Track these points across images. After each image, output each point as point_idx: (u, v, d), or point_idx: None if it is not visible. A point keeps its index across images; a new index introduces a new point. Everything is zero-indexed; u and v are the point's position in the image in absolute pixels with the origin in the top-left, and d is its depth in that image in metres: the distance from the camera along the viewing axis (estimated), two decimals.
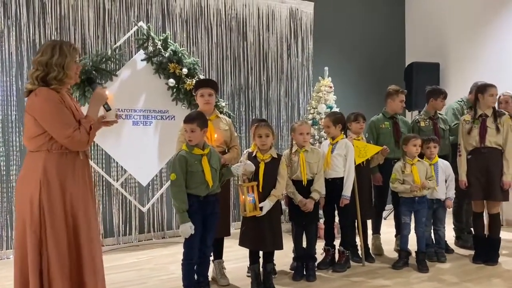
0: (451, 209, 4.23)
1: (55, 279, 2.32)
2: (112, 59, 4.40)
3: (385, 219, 5.22)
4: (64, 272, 2.34)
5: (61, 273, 2.32)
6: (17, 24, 4.41)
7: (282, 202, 4.51)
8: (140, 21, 4.80)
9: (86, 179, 2.51)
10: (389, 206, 4.57)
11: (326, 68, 5.45)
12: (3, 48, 4.35)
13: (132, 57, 4.65)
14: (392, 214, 4.52)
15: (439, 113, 4.45)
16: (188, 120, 2.98)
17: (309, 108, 5.48)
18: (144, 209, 4.77)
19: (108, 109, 2.57)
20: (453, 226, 4.59)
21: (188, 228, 2.89)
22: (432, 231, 4.10)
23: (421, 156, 4.04)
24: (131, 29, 4.73)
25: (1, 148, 4.34)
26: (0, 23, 4.34)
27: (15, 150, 4.39)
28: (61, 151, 2.38)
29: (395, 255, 4.12)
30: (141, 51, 4.54)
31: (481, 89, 3.92)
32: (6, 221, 4.35)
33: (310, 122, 5.10)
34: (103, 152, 4.67)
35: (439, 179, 3.98)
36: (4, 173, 4.35)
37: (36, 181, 2.32)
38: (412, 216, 3.88)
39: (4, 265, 4.09)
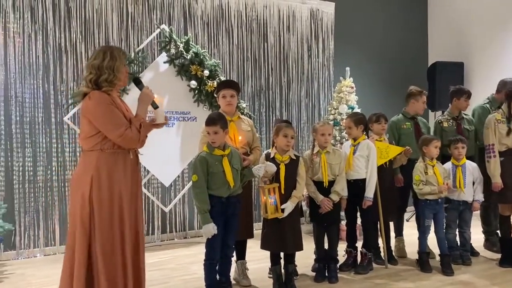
0: (477, 211, 4.14)
1: (99, 275, 2.39)
2: (135, 62, 4.48)
3: (407, 221, 5.14)
4: (109, 269, 2.41)
5: (105, 269, 2.39)
6: (43, 28, 4.52)
7: (303, 203, 4.47)
8: (162, 24, 4.86)
9: (136, 178, 2.62)
10: (409, 208, 4.49)
11: (348, 69, 5.41)
12: (31, 52, 4.47)
13: (154, 59, 4.72)
14: (415, 216, 4.45)
15: (464, 114, 4.36)
16: (210, 122, 2.99)
17: (330, 108, 5.45)
18: (167, 209, 4.82)
19: (155, 107, 2.68)
20: (482, 229, 4.50)
21: (210, 229, 2.90)
22: (457, 233, 4.03)
23: (446, 157, 3.98)
24: (154, 32, 4.80)
25: (28, 149, 4.45)
26: (28, 27, 4.46)
27: (41, 152, 4.50)
28: (112, 150, 2.49)
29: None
30: (164, 54, 4.60)
31: None
32: (34, 221, 4.45)
33: (331, 122, 5.07)
34: None
35: (466, 180, 3.89)
36: (32, 173, 4.46)
37: (88, 178, 2.43)
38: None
39: (31, 263, 4.18)
